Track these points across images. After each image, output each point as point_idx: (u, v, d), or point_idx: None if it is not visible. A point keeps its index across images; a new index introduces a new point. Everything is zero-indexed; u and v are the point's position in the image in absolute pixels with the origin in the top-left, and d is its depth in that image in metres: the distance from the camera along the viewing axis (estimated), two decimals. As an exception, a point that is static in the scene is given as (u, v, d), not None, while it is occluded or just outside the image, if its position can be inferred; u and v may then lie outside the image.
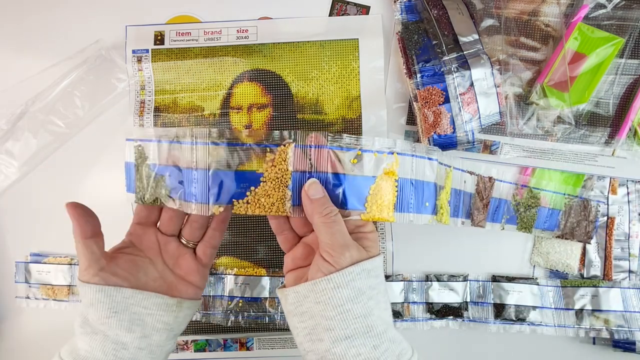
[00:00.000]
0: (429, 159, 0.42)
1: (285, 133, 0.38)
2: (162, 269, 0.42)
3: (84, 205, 0.39)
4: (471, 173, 0.52)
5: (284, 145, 0.38)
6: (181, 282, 0.42)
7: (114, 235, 0.58)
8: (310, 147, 0.38)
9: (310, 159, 0.38)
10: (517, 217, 0.54)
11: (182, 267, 0.43)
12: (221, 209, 0.38)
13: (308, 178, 0.38)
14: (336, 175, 0.38)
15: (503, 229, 0.54)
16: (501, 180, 0.54)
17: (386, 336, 0.36)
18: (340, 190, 0.38)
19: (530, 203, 0.54)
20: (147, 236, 0.42)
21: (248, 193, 0.38)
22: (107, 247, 0.59)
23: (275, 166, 0.38)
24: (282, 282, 0.56)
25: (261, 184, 0.38)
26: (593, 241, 0.56)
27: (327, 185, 0.38)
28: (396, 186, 0.39)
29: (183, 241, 0.43)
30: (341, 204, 0.38)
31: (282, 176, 0.38)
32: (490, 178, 0.53)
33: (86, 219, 0.39)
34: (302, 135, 0.38)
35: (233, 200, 0.38)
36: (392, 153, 0.39)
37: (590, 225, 0.55)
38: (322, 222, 0.36)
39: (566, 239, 0.55)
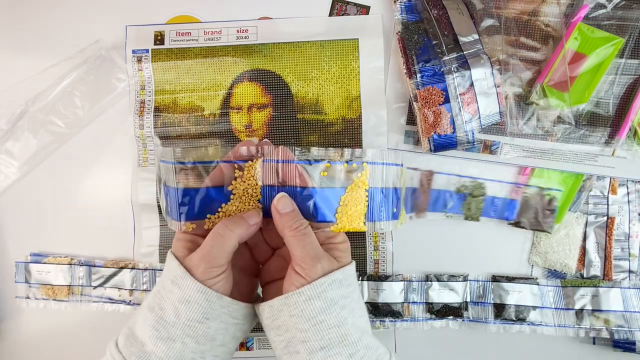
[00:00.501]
0: (396, 165, 0.43)
1: (253, 149, 0.39)
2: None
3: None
4: (414, 169, 0.54)
5: (252, 161, 0.38)
6: (246, 277, 0.42)
7: (113, 234, 0.58)
8: (279, 161, 0.39)
9: (278, 174, 0.39)
10: (463, 206, 0.55)
11: (241, 261, 0.42)
12: (193, 226, 0.38)
13: (278, 192, 0.38)
14: (306, 188, 0.38)
15: (448, 216, 0.55)
16: (440, 173, 0.55)
17: (362, 344, 0.36)
18: (310, 203, 0.39)
19: (475, 192, 0.55)
20: None
21: (219, 209, 0.38)
22: (107, 246, 0.59)
23: (244, 182, 0.38)
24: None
25: (231, 200, 0.38)
26: (593, 241, 0.56)
27: (296, 198, 0.39)
28: (366, 195, 0.40)
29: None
30: (312, 216, 0.39)
31: (252, 191, 0.38)
32: (430, 172, 0.54)
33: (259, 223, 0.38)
34: (270, 150, 0.38)
35: (207, 216, 0.38)
36: (362, 163, 0.40)
37: (548, 214, 0.55)
38: (292, 236, 0.37)
39: (522, 227, 0.55)
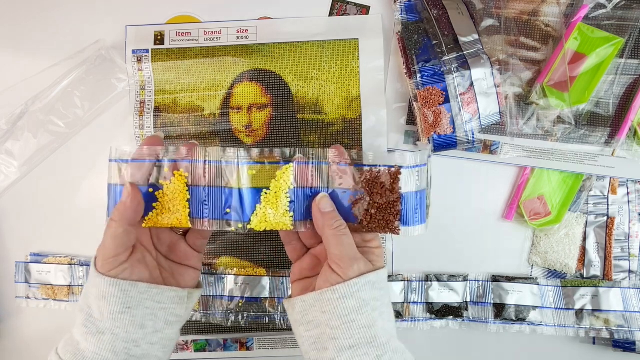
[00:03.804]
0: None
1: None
2: (156, 256, 0.42)
3: (140, 191, 0.38)
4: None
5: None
6: (181, 268, 0.42)
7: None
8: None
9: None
10: None
11: (177, 253, 0.43)
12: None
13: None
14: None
15: None
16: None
17: (389, 347, 0.36)
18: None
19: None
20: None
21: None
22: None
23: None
24: (282, 282, 0.56)
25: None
26: (593, 241, 0.56)
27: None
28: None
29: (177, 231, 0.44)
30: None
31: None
32: (395, 167, 0.41)
33: (139, 206, 0.38)
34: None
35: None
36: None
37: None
38: (332, 235, 0.38)
39: None
